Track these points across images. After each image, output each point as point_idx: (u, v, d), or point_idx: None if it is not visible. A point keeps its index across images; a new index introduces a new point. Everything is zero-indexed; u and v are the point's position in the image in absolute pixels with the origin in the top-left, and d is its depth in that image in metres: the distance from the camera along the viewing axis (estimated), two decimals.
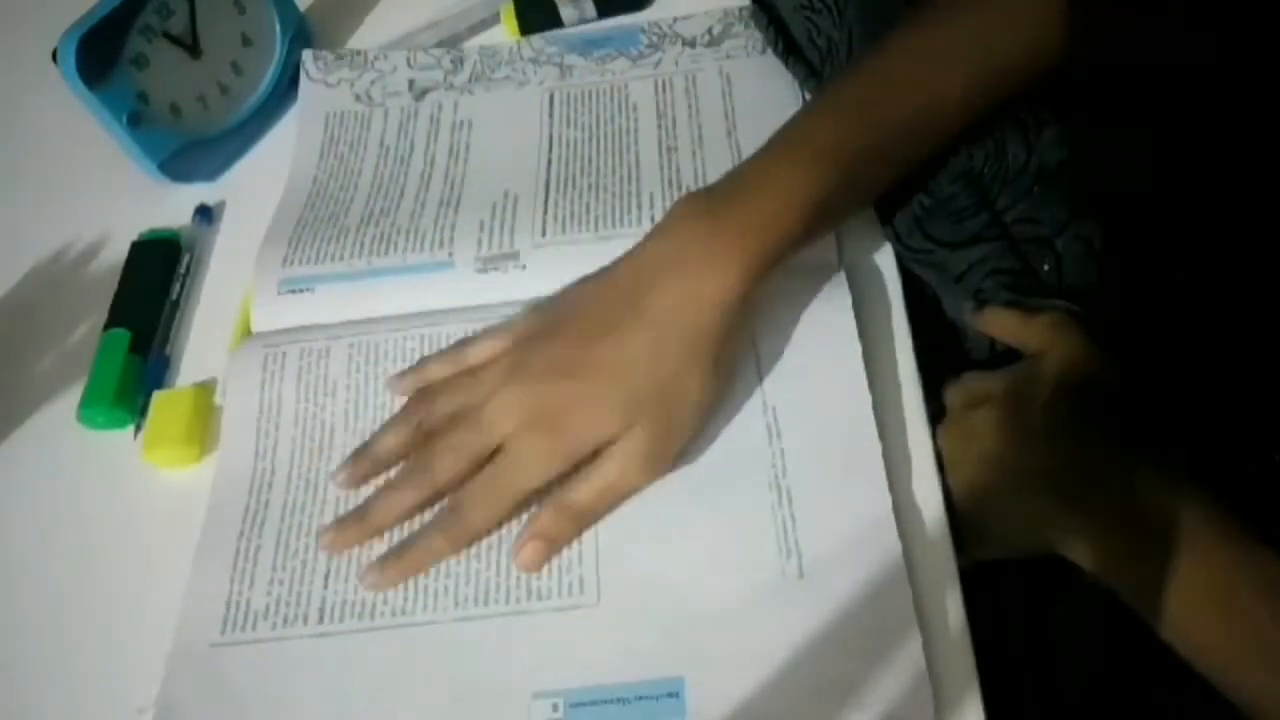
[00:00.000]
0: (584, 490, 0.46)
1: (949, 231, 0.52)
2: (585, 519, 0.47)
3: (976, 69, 0.51)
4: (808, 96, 0.59)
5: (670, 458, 0.47)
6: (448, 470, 0.47)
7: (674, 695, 0.42)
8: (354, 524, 0.48)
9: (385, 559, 0.47)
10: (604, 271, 0.50)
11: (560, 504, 0.46)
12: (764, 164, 0.49)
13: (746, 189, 0.48)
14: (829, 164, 0.48)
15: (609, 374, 0.46)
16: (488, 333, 0.51)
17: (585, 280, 0.51)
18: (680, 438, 0.47)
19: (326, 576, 0.47)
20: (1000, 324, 0.51)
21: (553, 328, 0.49)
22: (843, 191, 0.49)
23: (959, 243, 0.52)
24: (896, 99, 0.50)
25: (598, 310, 0.48)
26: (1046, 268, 0.50)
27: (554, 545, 0.46)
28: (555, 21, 0.67)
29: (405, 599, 0.46)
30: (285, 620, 0.46)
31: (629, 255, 0.49)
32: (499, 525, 0.47)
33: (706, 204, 0.48)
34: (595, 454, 0.47)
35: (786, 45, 0.60)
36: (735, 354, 0.49)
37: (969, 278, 0.52)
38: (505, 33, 0.67)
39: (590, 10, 0.67)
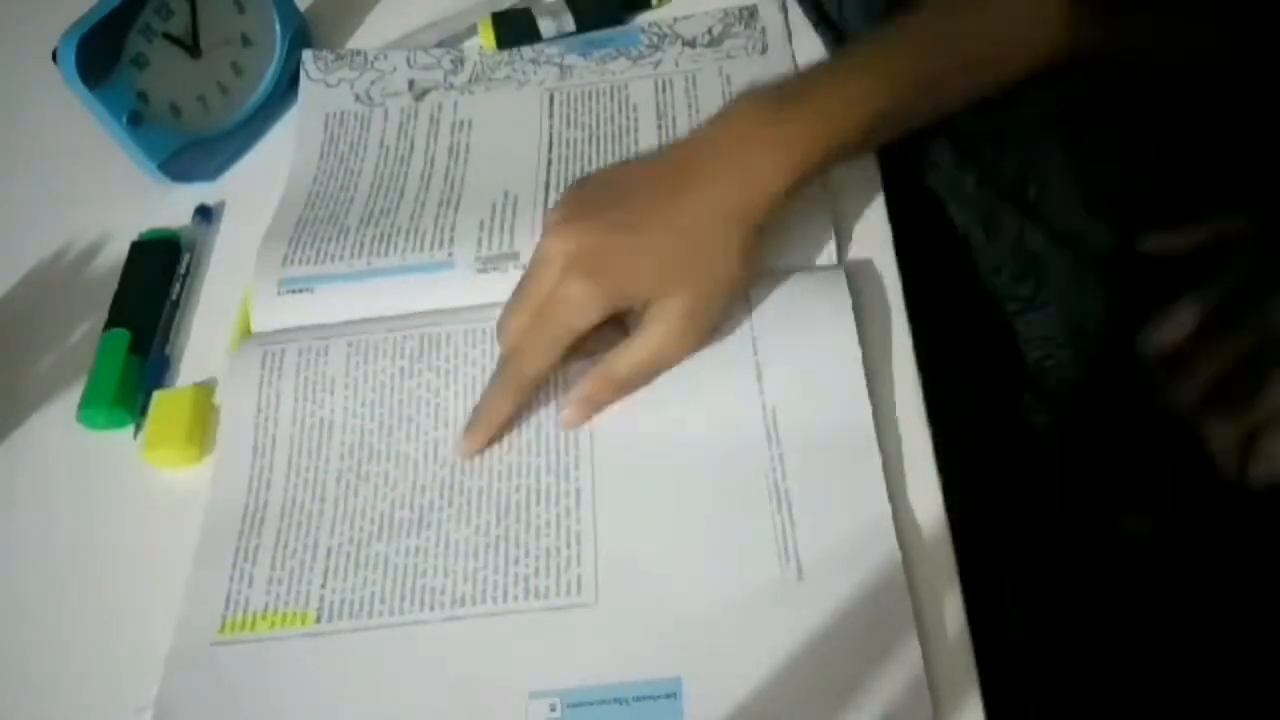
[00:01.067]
0: (623, 361, 0.49)
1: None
2: (623, 388, 0.50)
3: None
4: None
5: (703, 333, 0.50)
6: (509, 331, 0.50)
7: (672, 696, 0.42)
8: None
9: (467, 430, 0.50)
10: (656, 152, 0.52)
11: (601, 373, 0.49)
12: (833, 69, 0.51)
13: (813, 89, 0.50)
14: (898, 82, 0.50)
15: (656, 233, 0.48)
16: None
17: (634, 159, 0.53)
18: (712, 314, 0.50)
19: (325, 575, 0.47)
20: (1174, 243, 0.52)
21: (603, 191, 0.51)
22: (905, 111, 0.50)
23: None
24: (968, 35, 0.51)
25: (650, 178, 0.50)
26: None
27: (594, 408, 0.49)
28: (534, 35, 0.66)
29: (403, 598, 0.46)
30: (284, 619, 0.46)
31: (686, 138, 0.51)
32: (550, 372, 0.50)
33: (771, 95, 0.49)
34: (624, 332, 0.50)
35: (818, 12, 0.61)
36: (764, 249, 0.50)
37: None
38: (482, 46, 0.66)
39: (569, 24, 0.66)
